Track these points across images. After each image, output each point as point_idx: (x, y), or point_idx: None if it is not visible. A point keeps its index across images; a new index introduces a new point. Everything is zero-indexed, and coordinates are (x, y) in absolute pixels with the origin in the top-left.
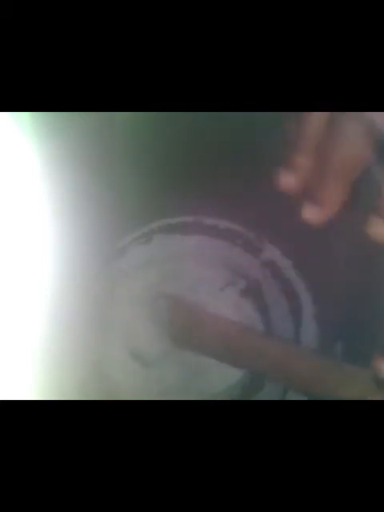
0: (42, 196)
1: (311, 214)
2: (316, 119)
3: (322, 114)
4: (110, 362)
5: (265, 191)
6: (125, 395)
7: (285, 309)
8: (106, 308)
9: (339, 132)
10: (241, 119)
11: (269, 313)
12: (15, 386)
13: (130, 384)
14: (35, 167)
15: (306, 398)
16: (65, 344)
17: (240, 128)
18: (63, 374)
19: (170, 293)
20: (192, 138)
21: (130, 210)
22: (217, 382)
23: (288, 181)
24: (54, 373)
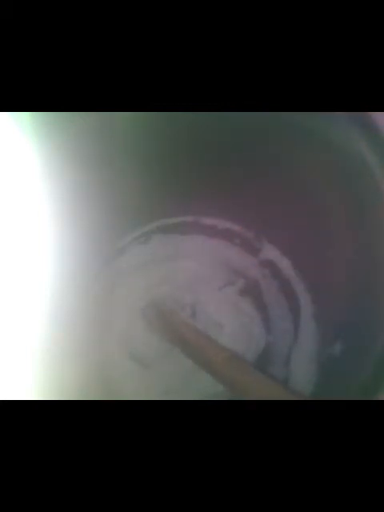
0: (42, 196)
1: None
2: None
3: None
4: (109, 362)
5: (264, 191)
6: (125, 395)
7: (284, 308)
8: (106, 308)
9: None
10: (241, 119)
11: (268, 312)
12: (15, 386)
13: (129, 384)
14: (35, 167)
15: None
16: (65, 344)
17: (240, 128)
18: (63, 374)
19: (160, 303)
20: (192, 137)
21: (130, 210)
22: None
23: None
24: (54, 373)
